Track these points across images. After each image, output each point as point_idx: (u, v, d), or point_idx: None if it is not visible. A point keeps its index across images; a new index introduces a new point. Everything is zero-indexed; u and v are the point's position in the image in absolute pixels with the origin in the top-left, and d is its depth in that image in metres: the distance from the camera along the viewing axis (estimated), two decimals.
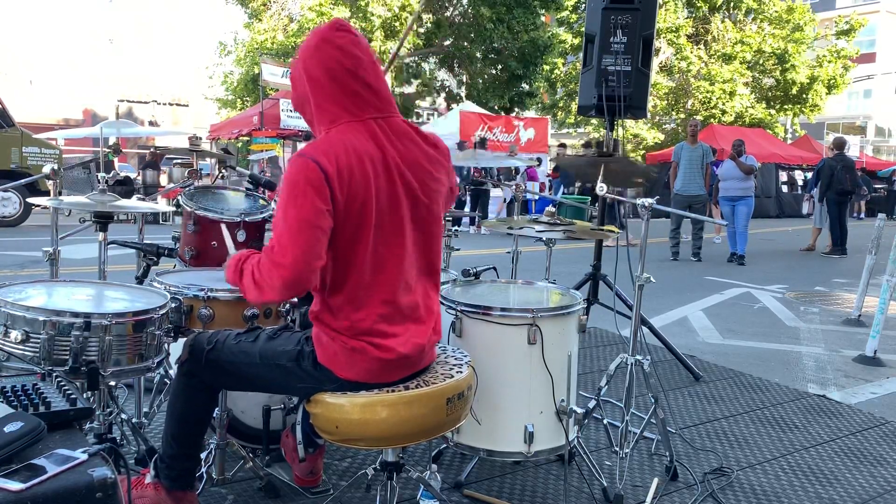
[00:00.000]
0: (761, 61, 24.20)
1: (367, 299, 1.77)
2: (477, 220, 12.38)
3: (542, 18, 22.95)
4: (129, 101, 31.08)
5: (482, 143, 13.90)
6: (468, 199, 12.91)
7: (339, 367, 1.79)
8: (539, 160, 13.45)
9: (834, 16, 26.66)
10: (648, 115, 6.65)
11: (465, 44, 22.44)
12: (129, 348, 2.01)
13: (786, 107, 25.61)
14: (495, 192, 14.91)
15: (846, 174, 10.41)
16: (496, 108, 22.24)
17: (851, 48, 25.21)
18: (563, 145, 17.63)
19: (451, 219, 3.56)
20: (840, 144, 11.00)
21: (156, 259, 2.93)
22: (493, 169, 11.89)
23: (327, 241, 1.71)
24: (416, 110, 24.54)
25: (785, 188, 21.16)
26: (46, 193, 2.92)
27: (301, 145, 13.42)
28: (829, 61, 24.62)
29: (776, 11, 24.33)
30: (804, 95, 24.73)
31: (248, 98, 22.57)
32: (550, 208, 2.91)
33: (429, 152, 1.88)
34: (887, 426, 3.45)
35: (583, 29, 5.37)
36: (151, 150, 14.26)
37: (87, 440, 1.46)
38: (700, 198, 9.12)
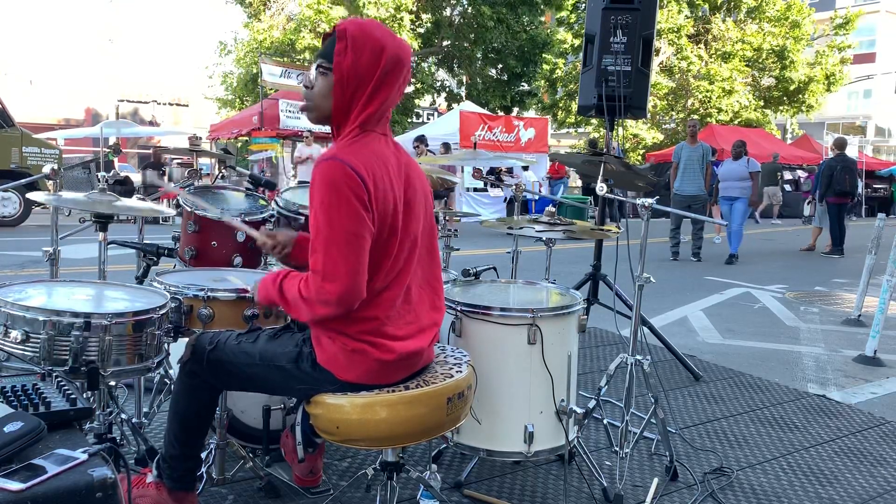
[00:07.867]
0: (760, 60, 24.19)
1: (377, 303, 1.77)
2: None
3: (542, 18, 22.97)
4: (129, 101, 31.11)
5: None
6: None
7: (338, 369, 1.79)
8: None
9: (833, 14, 26.61)
10: (648, 115, 6.65)
11: (466, 44, 22.45)
12: (128, 348, 2.01)
13: (783, 106, 25.59)
14: (495, 192, 14.85)
15: (845, 175, 10.41)
16: (496, 107, 22.24)
17: (849, 40, 25.18)
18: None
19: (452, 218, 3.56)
20: (841, 145, 11.00)
21: (156, 259, 2.93)
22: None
23: (369, 250, 1.70)
24: (415, 110, 24.52)
25: (786, 188, 21.13)
26: None
27: (300, 145, 13.38)
28: (829, 55, 24.62)
29: (777, 11, 24.32)
30: (801, 94, 24.72)
31: (247, 98, 22.61)
32: (550, 208, 2.91)
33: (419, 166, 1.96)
34: (887, 426, 3.45)
35: (583, 29, 5.37)
36: (153, 149, 14.24)
37: (87, 440, 1.46)
38: (699, 198, 9.12)
